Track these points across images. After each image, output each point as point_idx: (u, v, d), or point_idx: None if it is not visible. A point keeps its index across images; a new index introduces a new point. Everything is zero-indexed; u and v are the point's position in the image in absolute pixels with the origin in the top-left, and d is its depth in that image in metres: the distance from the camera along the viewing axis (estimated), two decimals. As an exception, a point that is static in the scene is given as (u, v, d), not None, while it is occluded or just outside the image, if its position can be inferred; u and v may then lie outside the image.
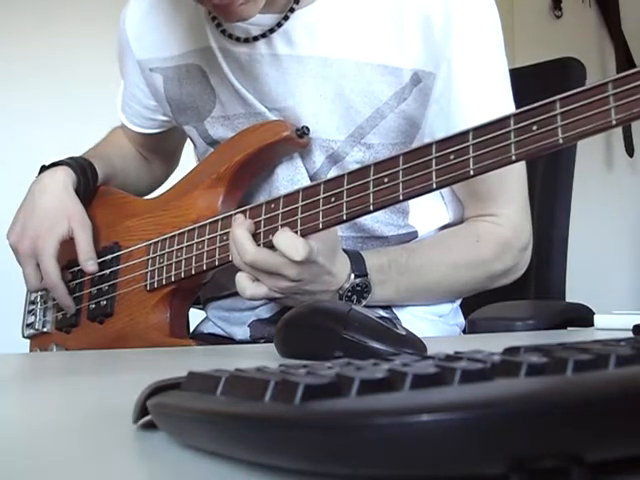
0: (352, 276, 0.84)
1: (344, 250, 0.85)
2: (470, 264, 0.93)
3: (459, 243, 0.94)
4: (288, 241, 0.76)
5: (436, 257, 0.91)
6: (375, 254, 0.88)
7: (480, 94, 0.90)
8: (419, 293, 0.93)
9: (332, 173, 0.91)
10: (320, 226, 0.77)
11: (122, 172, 1.14)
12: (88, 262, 0.98)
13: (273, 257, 0.77)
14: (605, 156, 2.78)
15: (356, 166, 0.77)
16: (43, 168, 1.04)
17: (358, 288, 0.85)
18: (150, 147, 1.19)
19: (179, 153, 1.24)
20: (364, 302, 0.86)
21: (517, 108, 0.65)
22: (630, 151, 2.71)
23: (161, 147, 1.19)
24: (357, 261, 0.85)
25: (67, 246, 0.99)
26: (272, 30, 0.90)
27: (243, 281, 0.80)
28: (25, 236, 0.98)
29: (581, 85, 0.60)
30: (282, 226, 0.79)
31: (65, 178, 1.00)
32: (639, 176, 2.79)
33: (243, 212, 0.84)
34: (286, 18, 0.89)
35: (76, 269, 1.01)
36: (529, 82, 1.18)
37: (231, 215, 0.86)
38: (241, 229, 0.79)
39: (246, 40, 0.92)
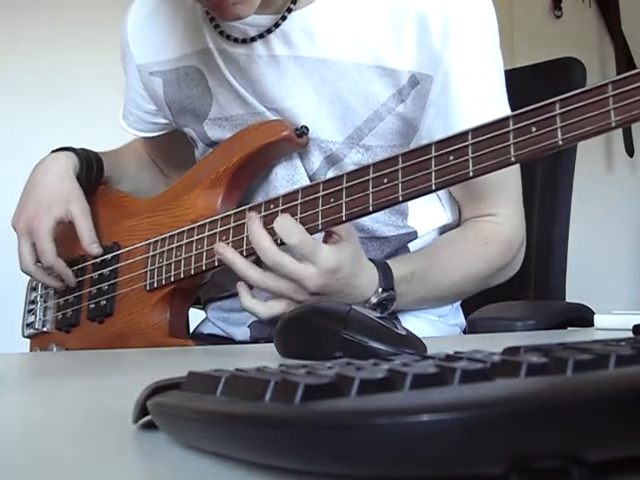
0: (380, 290, 0.83)
1: (371, 260, 0.84)
2: (481, 266, 0.93)
3: (470, 246, 0.94)
4: (285, 224, 0.76)
5: (451, 263, 0.91)
6: (399, 264, 0.86)
7: (477, 97, 0.90)
8: (435, 300, 0.94)
9: (330, 174, 0.90)
10: (319, 226, 0.77)
11: (134, 179, 1.14)
12: (92, 245, 0.98)
13: (295, 263, 0.77)
14: (605, 156, 2.78)
15: (354, 168, 0.76)
16: (52, 152, 1.05)
17: (384, 302, 0.83)
18: (164, 157, 1.18)
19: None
20: (386, 313, 0.85)
21: (517, 109, 0.65)
22: (630, 151, 2.71)
23: (176, 159, 1.17)
24: (385, 274, 0.83)
25: (66, 243, 0.99)
26: (269, 31, 0.90)
27: (255, 305, 0.80)
28: (22, 215, 1.00)
29: (581, 85, 0.60)
30: None
31: (67, 162, 1.01)
32: (639, 176, 2.79)
33: (242, 212, 0.84)
34: (283, 19, 0.89)
35: (75, 268, 1.01)
36: (529, 82, 1.18)
37: (230, 215, 0.86)
38: (258, 231, 0.79)
39: (244, 41, 0.92)
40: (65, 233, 1.01)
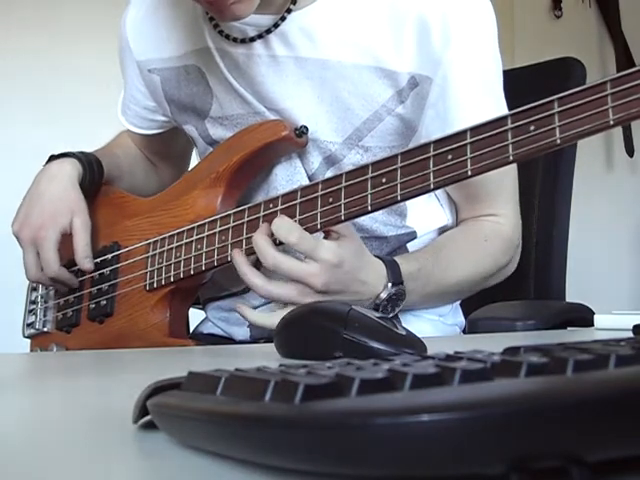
0: (389, 285, 0.82)
1: (378, 257, 0.84)
2: (483, 264, 0.94)
3: (471, 245, 0.94)
4: (283, 224, 0.76)
5: (455, 261, 0.92)
6: (407, 260, 0.86)
7: (476, 100, 0.90)
8: (439, 297, 0.94)
9: (329, 175, 0.90)
10: (318, 226, 0.77)
11: (129, 174, 1.14)
12: (85, 260, 0.98)
13: (296, 263, 0.76)
14: (605, 156, 2.78)
15: (353, 168, 0.76)
16: (52, 158, 1.04)
17: (394, 297, 0.83)
18: (155, 150, 1.19)
19: (188, 158, 1.22)
20: (397, 310, 0.84)
21: (516, 109, 0.65)
22: (630, 151, 2.71)
23: (167, 151, 1.19)
24: (393, 268, 0.82)
25: (67, 245, 0.99)
26: (269, 31, 0.90)
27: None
28: (27, 224, 0.99)
29: (581, 85, 0.60)
30: None
31: (72, 171, 1.01)
32: (639, 176, 2.79)
33: (242, 211, 0.84)
34: (283, 19, 0.89)
35: (76, 268, 1.01)
36: (529, 82, 1.18)
37: (229, 215, 0.86)
38: (260, 234, 0.79)
39: (243, 41, 0.92)
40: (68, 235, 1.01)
